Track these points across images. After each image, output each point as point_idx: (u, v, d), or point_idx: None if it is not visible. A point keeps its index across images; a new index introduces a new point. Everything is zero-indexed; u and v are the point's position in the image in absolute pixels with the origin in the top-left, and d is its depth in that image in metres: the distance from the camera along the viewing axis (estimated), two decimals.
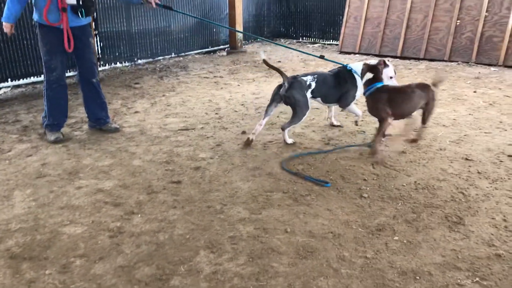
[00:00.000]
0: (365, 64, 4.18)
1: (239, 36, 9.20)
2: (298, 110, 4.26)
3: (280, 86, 4.31)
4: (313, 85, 4.31)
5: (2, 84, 6.51)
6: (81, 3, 4.31)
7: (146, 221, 3.13)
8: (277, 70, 4.35)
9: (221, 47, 9.57)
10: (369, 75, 4.07)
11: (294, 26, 10.65)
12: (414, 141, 4.31)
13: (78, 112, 5.47)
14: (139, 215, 3.20)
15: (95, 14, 4.45)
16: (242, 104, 5.73)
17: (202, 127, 4.94)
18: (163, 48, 8.50)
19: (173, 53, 8.54)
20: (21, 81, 6.71)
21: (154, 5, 4.73)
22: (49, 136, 4.60)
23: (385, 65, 4.23)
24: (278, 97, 4.31)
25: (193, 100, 5.99)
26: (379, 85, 4.04)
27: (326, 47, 9.74)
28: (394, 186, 3.53)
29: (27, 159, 4.11)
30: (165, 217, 3.17)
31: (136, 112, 5.53)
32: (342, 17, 9.07)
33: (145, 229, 3.02)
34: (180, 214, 3.20)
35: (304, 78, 4.33)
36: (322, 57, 4.81)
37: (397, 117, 4.07)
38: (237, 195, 3.44)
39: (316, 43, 10.17)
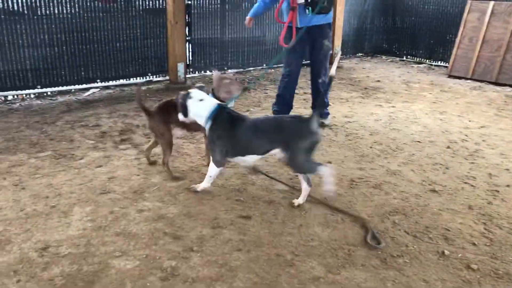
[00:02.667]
0: None
1: (336, 50, 8.60)
2: None
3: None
4: None
5: (92, 85, 6.52)
6: (308, 1, 4.60)
7: (205, 263, 2.70)
8: None
9: None
10: None
11: (398, 42, 9.79)
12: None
13: None
14: (199, 254, 2.78)
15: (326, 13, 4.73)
16: (330, 128, 5.16)
17: None
18: (255, 58, 8.14)
19: (264, 64, 8.16)
20: (111, 83, 6.69)
21: None
22: None
23: None
24: None
25: None
26: None
27: (433, 69, 8.81)
28: None
29: (96, 170, 3.89)
30: (227, 261, 2.72)
31: None
32: (455, 37, 8.13)
33: (202, 274, 2.59)
34: (244, 260, 2.74)
35: None
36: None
37: None
38: (313, 244, 2.91)
39: (422, 63, 9.26)
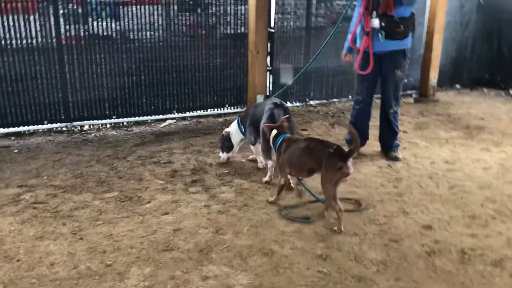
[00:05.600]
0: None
1: (433, 81, 7.76)
2: None
3: None
4: None
5: (168, 116, 6.27)
6: (383, 25, 4.28)
7: None
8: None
9: (408, 92, 8.20)
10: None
11: (503, 73, 8.62)
12: None
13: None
14: None
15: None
16: (430, 177, 4.41)
17: (376, 205, 3.80)
18: (340, 89, 7.51)
19: (350, 96, 7.50)
20: (187, 114, 6.40)
21: None
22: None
23: None
24: None
25: (364, 160, 4.86)
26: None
27: None
28: None
29: (161, 218, 3.49)
30: None
31: None
32: None
33: None
34: None
35: None
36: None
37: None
38: None
39: None
